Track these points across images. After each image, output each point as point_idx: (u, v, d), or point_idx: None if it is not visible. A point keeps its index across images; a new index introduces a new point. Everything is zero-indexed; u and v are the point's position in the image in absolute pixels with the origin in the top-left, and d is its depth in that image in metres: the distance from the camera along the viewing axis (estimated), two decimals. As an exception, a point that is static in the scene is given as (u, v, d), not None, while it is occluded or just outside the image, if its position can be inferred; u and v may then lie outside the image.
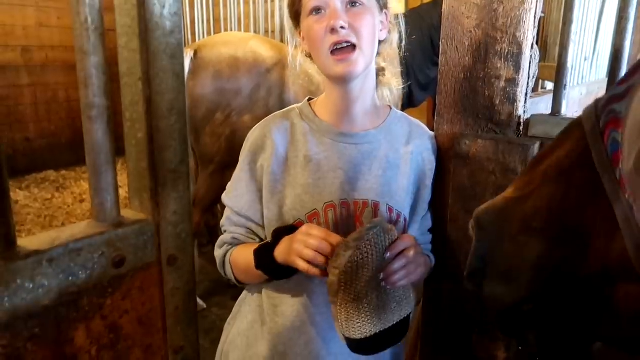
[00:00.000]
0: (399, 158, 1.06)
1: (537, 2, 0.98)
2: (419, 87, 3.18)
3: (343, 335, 0.88)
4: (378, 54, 1.06)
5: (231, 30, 3.69)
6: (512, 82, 1.01)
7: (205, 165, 2.66)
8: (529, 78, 1.02)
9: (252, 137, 1.06)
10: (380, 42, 1.04)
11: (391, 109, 1.12)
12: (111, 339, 0.52)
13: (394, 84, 1.13)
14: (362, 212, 1.03)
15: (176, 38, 0.53)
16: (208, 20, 3.57)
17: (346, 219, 1.03)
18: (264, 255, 0.95)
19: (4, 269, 0.42)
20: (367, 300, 0.86)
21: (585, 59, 1.81)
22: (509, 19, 0.99)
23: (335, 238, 0.87)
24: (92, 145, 0.49)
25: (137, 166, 0.55)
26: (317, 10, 0.96)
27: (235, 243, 1.05)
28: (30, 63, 5.19)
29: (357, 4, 0.96)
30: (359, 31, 0.95)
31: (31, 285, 0.45)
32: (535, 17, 0.99)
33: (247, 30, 3.76)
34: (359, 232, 0.86)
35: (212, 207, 2.85)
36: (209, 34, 3.60)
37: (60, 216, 4.12)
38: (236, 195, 1.05)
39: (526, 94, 1.03)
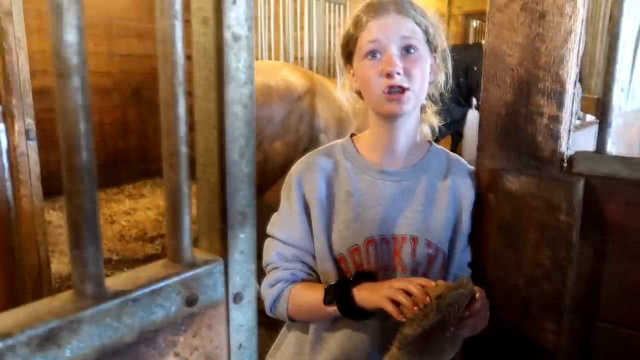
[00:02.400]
0: (437, 192, 1.08)
1: (579, 41, 1.00)
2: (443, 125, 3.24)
3: None
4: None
5: (261, 57, 3.79)
6: (555, 119, 1.02)
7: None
8: (571, 115, 1.03)
9: (297, 171, 1.09)
10: (429, 83, 1.09)
11: (431, 144, 1.15)
12: (182, 375, 0.55)
13: (434, 121, 1.17)
14: (401, 247, 1.05)
15: (249, 89, 0.56)
16: (239, 48, 3.67)
17: (386, 254, 1.05)
18: (341, 292, 0.95)
19: (95, 309, 0.45)
20: (430, 348, 0.87)
21: (622, 90, 1.81)
22: (552, 58, 1.00)
23: (430, 290, 0.87)
24: (172, 189, 0.52)
25: (208, 208, 0.58)
26: (372, 53, 0.99)
27: (292, 279, 1.05)
28: (67, 88, 5.39)
29: (412, 50, 1.00)
30: (413, 76, 0.99)
31: (117, 324, 0.47)
32: (578, 56, 1.01)
33: (276, 57, 3.85)
34: (451, 292, 0.86)
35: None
36: (240, 61, 3.69)
37: (91, 237, 4.21)
38: (289, 227, 1.06)
39: (569, 131, 1.03)
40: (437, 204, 1.07)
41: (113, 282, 0.50)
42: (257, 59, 3.79)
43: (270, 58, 3.82)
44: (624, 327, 1.02)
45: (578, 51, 1.00)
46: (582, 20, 0.99)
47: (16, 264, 2.13)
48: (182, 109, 0.51)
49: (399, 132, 1.06)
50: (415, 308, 0.84)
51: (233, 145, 0.56)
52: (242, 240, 0.59)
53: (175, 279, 0.52)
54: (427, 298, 0.85)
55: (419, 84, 1.01)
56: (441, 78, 1.12)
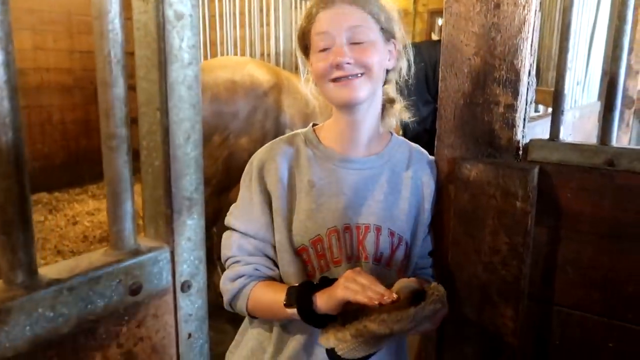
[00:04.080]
0: (400, 183, 1.09)
1: (533, 31, 1.01)
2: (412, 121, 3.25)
3: (336, 352, 0.88)
4: (387, 82, 1.09)
5: (227, 53, 3.74)
6: (511, 107, 1.03)
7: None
8: (526, 104, 1.05)
9: (257, 160, 1.06)
10: (388, 71, 1.07)
11: (392, 134, 1.14)
12: (126, 367, 0.53)
13: (405, 116, 1.15)
14: (364, 236, 1.04)
15: (193, 70, 0.54)
16: (204, 44, 3.61)
17: (349, 243, 1.04)
18: (303, 296, 0.92)
19: (26, 298, 0.43)
20: (380, 341, 0.87)
21: (578, 84, 1.86)
22: (507, 47, 1.02)
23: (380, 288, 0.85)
24: (112, 174, 0.50)
25: (153, 194, 0.56)
26: (324, 44, 0.99)
27: (255, 275, 1.02)
28: (26, 85, 5.21)
29: (362, 39, 0.98)
30: (364, 64, 0.98)
31: (52, 314, 0.45)
32: (532, 46, 1.02)
33: (242, 53, 3.81)
34: (429, 306, 0.86)
35: (209, 229, 2.84)
36: (205, 57, 3.64)
37: (53, 239, 4.08)
38: (250, 219, 1.03)
39: (524, 119, 1.05)
40: (400, 193, 1.08)
41: (47, 270, 0.47)
42: (223, 55, 3.74)
43: (236, 54, 3.77)
44: (579, 311, 1.04)
45: (532, 41, 1.02)
46: (536, 10, 1.00)
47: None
48: (120, 89, 0.49)
49: (359, 121, 1.05)
50: (386, 298, 0.83)
51: (177, 127, 0.54)
52: (189, 226, 0.57)
53: (116, 266, 0.50)
54: (395, 294, 0.84)
55: (373, 69, 0.99)
56: (403, 64, 1.10)
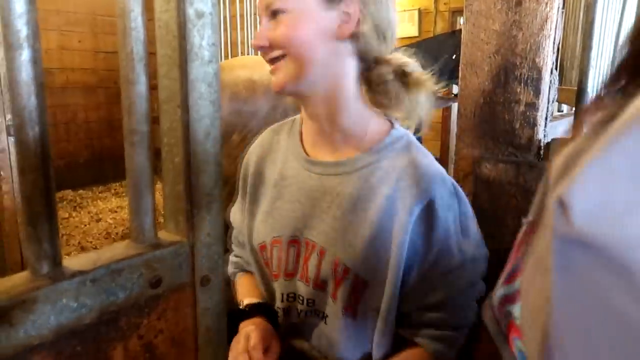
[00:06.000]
0: (370, 200, 0.82)
1: (556, 28, 1.00)
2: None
3: None
4: (363, 54, 0.83)
5: (247, 53, 3.76)
6: (532, 106, 1.02)
7: (221, 186, 2.69)
8: (548, 102, 1.04)
9: (247, 151, 1.03)
10: (351, 39, 0.81)
11: (394, 129, 0.87)
12: (147, 358, 0.54)
13: (430, 86, 0.84)
14: (310, 255, 0.87)
15: (213, 67, 0.55)
16: (225, 44, 3.64)
17: (293, 259, 0.89)
18: (233, 320, 0.86)
19: (51, 288, 0.44)
20: None
21: (603, 82, 1.82)
22: (529, 45, 1.01)
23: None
24: (133, 169, 0.51)
25: (174, 189, 0.57)
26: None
27: (240, 267, 1.06)
28: (52, 85, 5.33)
29: (280, 13, 0.79)
30: (279, 42, 0.79)
31: (75, 305, 0.46)
32: (554, 43, 1.01)
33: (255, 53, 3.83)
34: None
35: (228, 228, 2.86)
36: (226, 57, 3.67)
37: (77, 235, 4.17)
38: (235, 211, 1.06)
39: (546, 118, 1.04)
40: (366, 213, 0.81)
41: (71, 261, 0.48)
42: (243, 55, 3.77)
43: (256, 54, 3.80)
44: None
45: (554, 38, 1.00)
46: (558, 7, 0.99)
47: (-3, 261, 2.10)
48: (142, 86, 0.50)
49: (317, 114, 0.85)
50: None
51: (198, 124, 0.55)
52: (208, 222, 0.58)
53: (137, 259, 0.51)
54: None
55: (295, 48, 0.78)
56: (366, 27, 0.80)
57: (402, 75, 0.84)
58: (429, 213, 0.79)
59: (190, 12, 0.52)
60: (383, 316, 0.82)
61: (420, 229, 0.80)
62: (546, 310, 0.33)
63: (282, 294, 0.92)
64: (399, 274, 0.80)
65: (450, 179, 0.84)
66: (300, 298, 0.90)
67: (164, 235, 0.57)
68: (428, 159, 0.84)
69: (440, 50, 3.17)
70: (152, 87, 0.50)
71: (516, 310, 0.42)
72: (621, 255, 0.26)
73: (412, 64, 0.84)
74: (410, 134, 0.88)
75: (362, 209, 0.82)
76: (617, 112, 0.31)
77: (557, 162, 0.35)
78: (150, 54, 0.50)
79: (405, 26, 5.29)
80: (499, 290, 0.47)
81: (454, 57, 3.12)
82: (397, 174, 0.81)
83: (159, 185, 0.52)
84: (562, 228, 0.30)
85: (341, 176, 0.85)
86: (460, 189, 0.85)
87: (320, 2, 0.79)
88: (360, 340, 0.86)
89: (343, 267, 0.82)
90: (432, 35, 4.75)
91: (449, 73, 3.18)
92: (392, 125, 0.88)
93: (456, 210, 0.82)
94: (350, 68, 0.83)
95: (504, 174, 1.02)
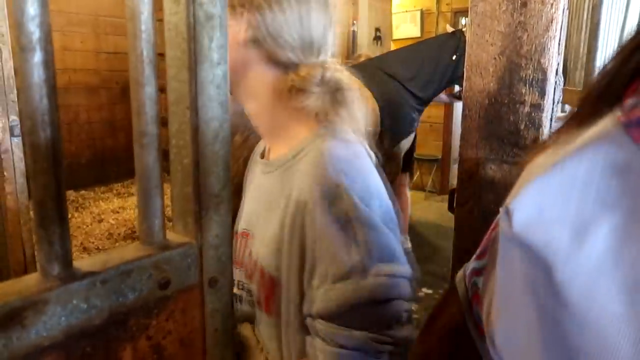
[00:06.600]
0: (282, 198, 0.84)
1: (561, 29, 1.00)
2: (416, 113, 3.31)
3: None
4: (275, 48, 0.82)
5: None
6: (537, 107, 1.02)
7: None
8: (554, 103, 1.04)
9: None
10: (254, 45, 0.82)
11: (322, 125, 0.86)
12: (155, 359, 0.54)
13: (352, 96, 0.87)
14: (244, 247, 0.95)
15: (222, 69, 0.55)
16: (228, 45, 3.66)
17: (240, 250, 0.95)
18: None
19: (62, 289, 0.44)
20: None
21: (606, 83, 1.82)
22: (534, 46, 1.01)
23: None
24: (143, 171, 0.52)
25: (182, 191, 0.57)
26: None
27: None
28: (54, 86, 5.34)
29: None
30: None
31: (85, 306, 0.46)
32: (559, 44, 1.01)
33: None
34: None
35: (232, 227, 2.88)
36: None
37: (79, 235, 4.17)
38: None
39: (551, 119, 1.04)
40: (276, 212, 0.84)
41: (81, 263, 0.49)
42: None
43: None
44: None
45: (560, 39, 1.00)
46: (564, 8, 0.99)
47: (1, 261, 2.10)
48: (152, 88, 0.50)
49: (250, 116, 0.92)
50: None
51: (206, 126, 0.55)
52: (216, 223, 0.58)
53: (147, 260, 0.51)
54: None
55: None
56: (261, 34, 0.81)
57: (322, 82, 0.84)
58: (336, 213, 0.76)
59: (200, 14, 0.52)
60: (285, 319, 0.83)
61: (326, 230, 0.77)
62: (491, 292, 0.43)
63: (237, 281, 0.97)
64: (301, 276, 0.79)
65: (365, 178, 0.80)
66: (243, 285, 0.95)
67: (172, 236, 0.57)
68: (339, 159, 0.80)
69: (440, 50, 3.18)
70: (161, 89, 0.50)
71: (480, 282, 0.51)
72: (545, 257, 0.33)
73: (338, 73, 0.86)
74: (337, 133, 0.85)
75: (276, 207, 0.84)
76: (572, 137, 0.37)
77: (524, 173, 0.44)
78: (159, 55, 0.50)
79: (407, 27, 5.29)
80: (472, 264, 0.55)
81: (454, 57, 3.14)
82: (310, 175, 0.80)
83: (166, 188, 0.53)
84: (506, 230, 0.37)
85: (268, 175, 0.91)
86: (375, 193, 0.80)
87: (228, 11, 0.76)
88: (277, 335, 0.87)
89: (254, 260, 0.89)
90: (434, 35, 4.75)
91: (450, 76, 3.20)
92: (318, 127, 0.86)
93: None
94: (259, 73, 0.84)
95: (509, 175, 1.03)
